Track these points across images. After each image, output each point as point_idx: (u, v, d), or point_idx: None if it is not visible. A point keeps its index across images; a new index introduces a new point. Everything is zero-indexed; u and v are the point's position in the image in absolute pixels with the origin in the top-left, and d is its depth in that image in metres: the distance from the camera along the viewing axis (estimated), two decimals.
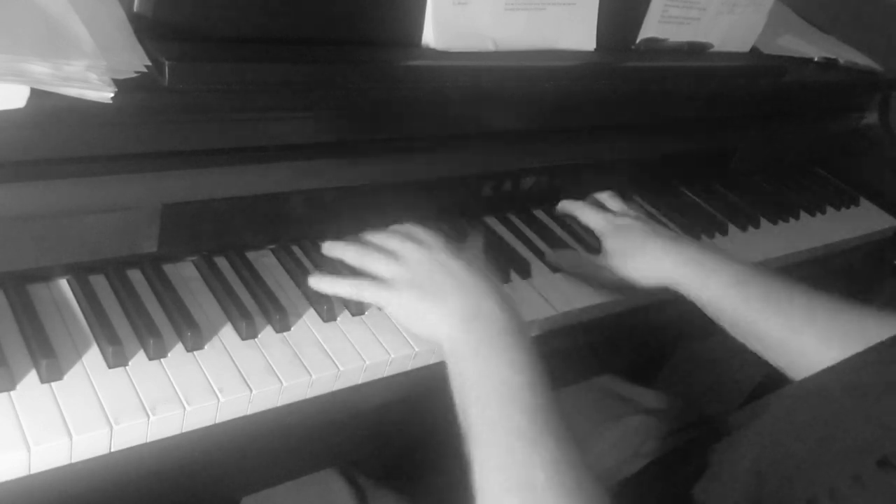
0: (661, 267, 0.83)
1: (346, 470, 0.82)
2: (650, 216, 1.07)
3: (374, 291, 0.70)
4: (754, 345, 0.79)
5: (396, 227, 0.76)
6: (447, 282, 0.68)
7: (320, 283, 0.72)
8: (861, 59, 1.30)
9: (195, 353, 0.66)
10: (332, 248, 0.75)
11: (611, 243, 0.88)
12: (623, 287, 0.87)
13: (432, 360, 0.76)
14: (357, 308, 0.75)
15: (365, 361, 0.71)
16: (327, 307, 0.74)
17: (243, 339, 0.69)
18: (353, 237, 0.76)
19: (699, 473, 0.70)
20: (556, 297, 0.86)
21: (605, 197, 0.99)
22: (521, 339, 0.65)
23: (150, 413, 0.60)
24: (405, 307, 0.69)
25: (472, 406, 0.61)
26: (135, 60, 0.62)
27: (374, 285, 0.70)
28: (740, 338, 0.80)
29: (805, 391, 0.65)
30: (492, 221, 0.97)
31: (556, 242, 0.95)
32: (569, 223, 1.00)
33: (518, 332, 0.65)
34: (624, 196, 1.10)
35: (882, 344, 0.66)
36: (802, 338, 0.74)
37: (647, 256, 0.85)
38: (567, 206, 0.97)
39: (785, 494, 0.56)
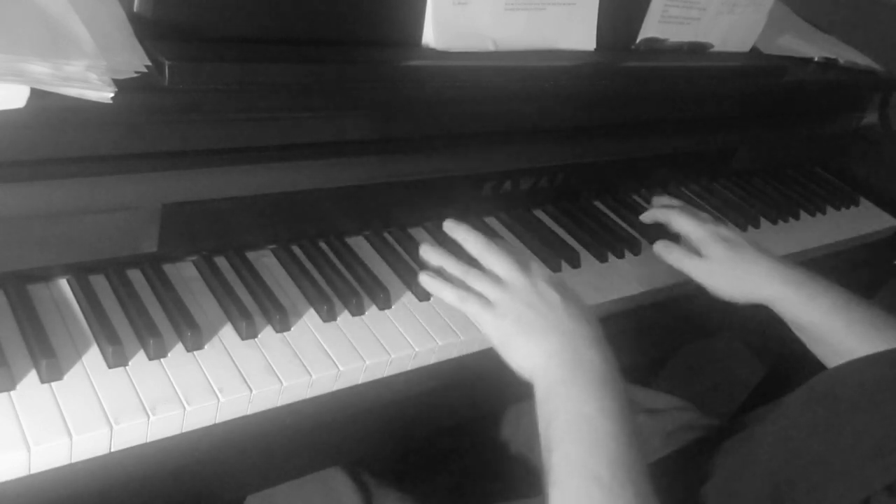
0: (767, 285, 0.83)
1: (350, 468, 0.82)
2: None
3: (478, 309, 0.70)
4: None
5: (501, 245, 0.75)
6: (549, 318, 0.68)
7: (430, 283, 0.73)
8: (861, 59, 1.30)
9: (195, 353, 0.66)
10: (430, 254, 0.75)
11: (717, 252, 0.86)
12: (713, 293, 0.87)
13: (432, 359, 0.76)
14: (357, 308, 0.75)
15: (365, 361, 0.71)
16: (327, 307, 0.74)
17: (243, 339, 0.69)
18: (458, 231, 0.76)
19: (705, 475, 0.69)
20: None
21: (689, 208, 0.96)
22: (617, 391, 0.64)
23: (150, 413, 0.60)
24: (504, 335, 0.68)
25: (556, 446, 0.61)
26: (135, 60, 0.62)
27: (478, 303, 0.70)
28: (832, 363, 0.79)
29: (822, 393, 0.65)
30: (491, 221, 0.97)
31: (556, 242, 0.95)
32: (568, 223, 1.00)
33: (613, 380, 0.65)
34: (623, 196, 1.10)
35: None
36: None
37: (753, 273, 0.84)
38: (660, 214, 0.94)
39: (815, 501, 0.55)
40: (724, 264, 0.86)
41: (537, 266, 0.73)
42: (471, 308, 0.70)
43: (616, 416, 0.62)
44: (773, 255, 0.86)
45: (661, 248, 0.89)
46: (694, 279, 0.87)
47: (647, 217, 0.96)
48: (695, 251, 0.88)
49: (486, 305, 0.69)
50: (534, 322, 0.68)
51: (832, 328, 0.79)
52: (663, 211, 0.94)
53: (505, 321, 0.68)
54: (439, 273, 0.74)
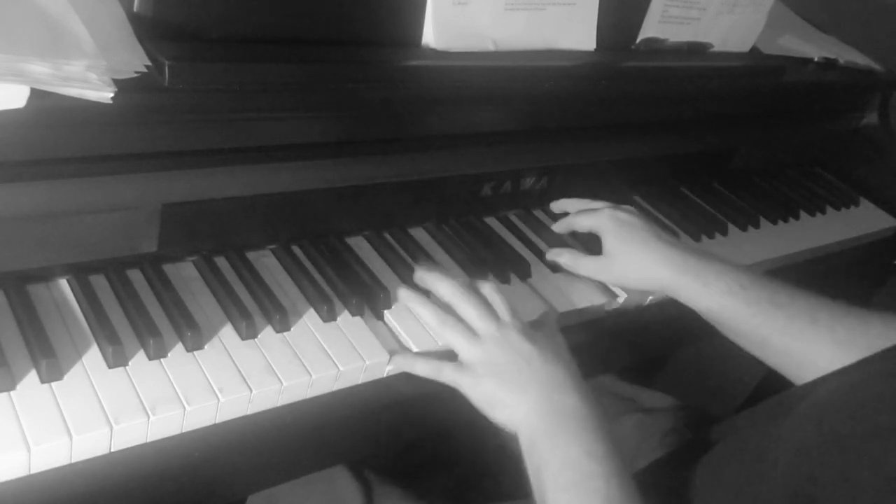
0: (660, 273, 0.82)
1: (353, 467, 0.82)
2: (650, 216, 1.07)
3: (455, 375, 0.70)
4: (756, 351, 0.79)
5: (468, 285, 0.74)
6: (526, 370, 0.69)
7: (402, 358, 0.72)
8: (861, 59, 1.30)
9: (195, 353, 0.66)
10: (409, 300, 0.75)
11: (612, 242, 0.86)
12: (619, 287, 0.88)
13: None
14: (357, 308, 0.75)
15: (365, 361, 0.71)
16: (327, 307, 0.74)
17: (243, 339, 0.69)
18: (429, 279, 0.75)
19: (710, 476, 0.69)
20: (557, 297, 0.86)
21: (588, 201, 0.96)
22: (599, 431, 0.65)
23: (150, 413, 0.60)
24: (484, 394, 0.69)
25: (549, 492, 0.63)
26: (135, 60, 0.62)
27: (453, 369, 0.70)
28: (742, 344, 0.79)
29: (838, 405, 0.63)
30: (491, 221, 0.97)
31: (556, 242, 0.95)
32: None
33: (594, 421, 0.66)
34: (624, 196, 1.10)
35: None
36: (805, 343, 0.74)
37: (647, 259, 0.83)
38: (563, 203, 0.96)
39: None
40: (618, 256, 0.85)
41: (509, 314, 0.73)
42: (447, 376, 0.70)
43: (602, 457, 0.63)
44: (668, 240, 0.85)
45: (552, 256, 0.90)
46: (594, 279, 0.87)
47: (553, 207, 0.97)
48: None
49: (463, 371, 0.70)
50: (511, 378, 0.68)
51: (733, 311, 0.78)
52: (565, 223, 0.93)
53: (485, 383, 0.69)
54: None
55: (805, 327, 0.74)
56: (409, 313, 0.77)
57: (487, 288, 0.75)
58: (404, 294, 0.75)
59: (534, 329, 0.73)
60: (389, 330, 0.76)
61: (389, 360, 0.72)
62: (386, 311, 0.77)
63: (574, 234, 0.97)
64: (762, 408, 0.73)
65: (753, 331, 0.77)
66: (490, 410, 0.69)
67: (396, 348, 0.73)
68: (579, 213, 0.92)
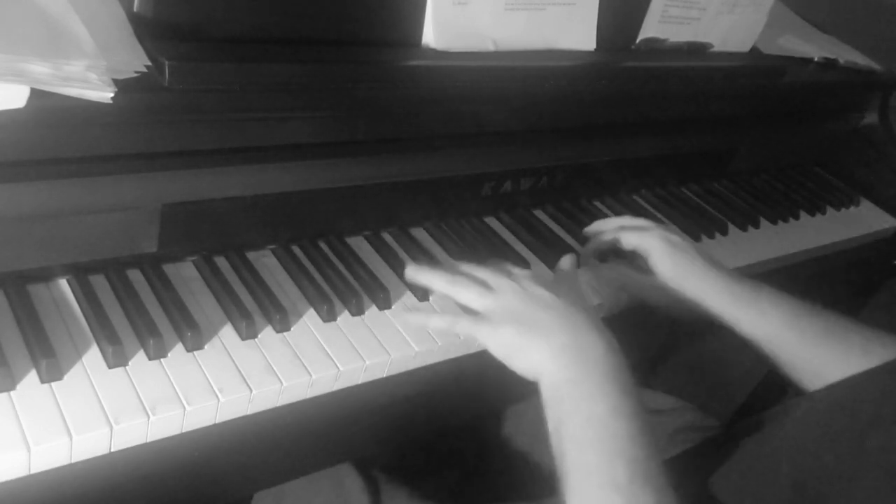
0: (713, 300, 0.79)
1: (360, 465, 0.82)
2: (650, 216, 1.07)
3: (471, 326, 0.67)
4: (808, 382, 0.75)
5: (470, 265, 0.72)
6: (547, 315, 0.65)
7: (416, 317, 0.70)
8: (861, 59, 1.30)
9: (195, 353, 0.66)
10: (417, 274, 0.72)
11: (665, 265, 0.81)
12: (669, 310, 0.83)
13: (431, 360, 0.76)
14: (357, 308, 0.75)
15: (365, 361, 0.71)
16: (327, 307, 0.74)
17: (243, 339, 0.69)
18: (437, 264, 0.73)
19: (715, 476, 0.69)
20: None
21: (627, 219, 0.91)
22: (627, 384, 0.62)
23: (150, 413, 0.60)
24: (506, 344, 0.66)
25: (570, 449, 0.59)
26: (135, 60, 0.62)
27: (470, 319, 0.67)
28: (792, 376, 0.77)
29: (837, 401, 0.64)
30: (491, 221, 0.97)
31: (556, 242, 0.95)
32: (568, 223, 1.00)
33: (624, 376, 0.63)
34: (623, 196, 1.10)
35: None
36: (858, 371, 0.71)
37: (699, 284, 0.80)
38: (602, 238, 0.90)
39: None
40: (671, 278, 0.81)
41: (522, 270, 0.71)
42: (464, 328, 0.67)
43: (629, 415, 0.60)
44: (724, 269, 0.82)
45: (609, 271, 0.85)
46: (642, 298, 0.83)
47: (588, 251, 0.90)
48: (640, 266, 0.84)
49: (480, 320, 0.67)
50: (534, 322, 0.65)
51: (786, 342, 0.76)
52: (604, 236, 0.89)
53: (504, 330, 0.66)
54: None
55: (858, 359, 0.72)
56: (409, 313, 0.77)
57: (493, 260, 0.73)
58: (410, 270, 0.73)
59: (553, 282, 0.71)
60: (389, 329, 0.76)
61: (403, 319, 0.69)
62: (386, 311, 0.77)
63: (574, 231, 0.97)
64: (767, 415, 0.73)
65: (808, 363, 0.75)
66: (511, 359, 0.65)
67: (397, 348, 0.73)
68: (623, 230, 0.87)
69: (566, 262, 0.80)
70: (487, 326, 0.67)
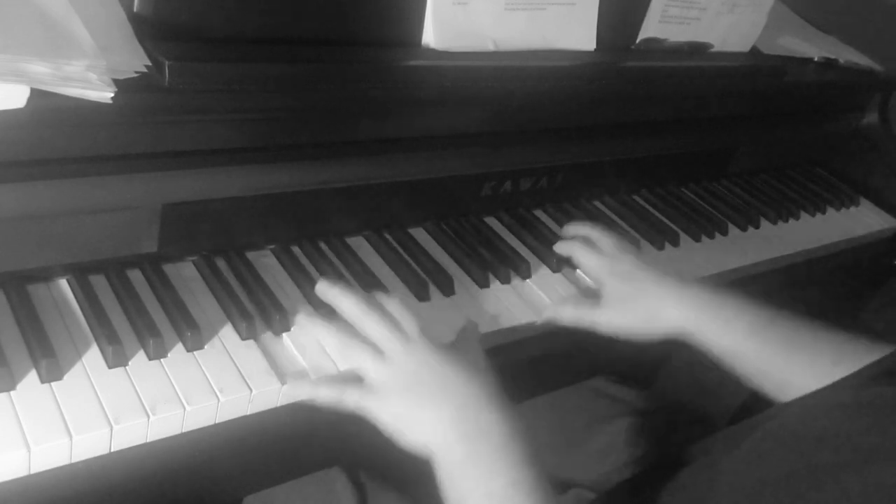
0: (668, 316, 0.77)
1: (348, 469, 0.82)
2: (650, 216, 1.08)
3: (360, 398, 0.63)
4: (777, 392, 0.74)
5: (374, 300, 0.68)
6: (437, 385, 0.63)
7: (300, 385, 0.66)
8: (861, 59, 1.30)
9: (195, 353, 0.66)
10: (327, 291, 0.69)
11: (609, 290, 0.81)
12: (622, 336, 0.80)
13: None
14: None
15: None
16: (327, 307, 0.74)
17: (243, 339, 0.69)
18: (331, 294, 0.69)
19: (683, 488, 0.68)
20: (556, 297, 0.86)
21: (596, 235, 0.89)
22: (522, 450, 0.60)
23: (150, 413, 0.60)
24: (394, 415, 0.62)
25: None
26: (135, 60, 0.62)
27: (358, 392, 0.63)
28: (756, 384, 0.75)
29: (778, 431, 0.60)
30: (491, 221, 0.97)
31: (556, 242, 0.95)
32: (567, 223, 1.00)
33: (517, 442, 0.60)
34: (623, 196, 1.10)
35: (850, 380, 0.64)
36: (827, 381, 0.68)
37: (652, 303, 0.78)
38: (563, 247, 0.89)
39: None
40: (616, 303, 0.80)
41: (417, 331, 0.66)
42: (351, 400, 0.64)
43: (527, 486, 0.58)
44: (672, 282, 0.80)
45: (553, 313, 0.82)
46: (599, 331, 0.80)
47: (558, 249, 0.90)
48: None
49: (368, 392, 0.63)
50: (421, 394, 0.62)
51: (750, 351, 0.74)
52: (567, 245, 0.88)
53: (391, 402, 0.62)
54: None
55: (829, 367, 0.70)
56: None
57: (394, 304, 0.68)
58: (302, 317, 0.69)
59: (447, 345, 0.68)
60: None
61: (288, 388, 0.66)
62: None
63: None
64: (733, 431, 0.71)
65: (775, 373, 0.73)
66: (401, 435, 0.62)
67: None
68: (581, 250, 0.87)
69: (469, 323, 0.77)
70: (376, 399, 0.63)
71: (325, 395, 0.64)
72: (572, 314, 0.82)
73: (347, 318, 0.67)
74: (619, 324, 0.80)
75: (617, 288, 0.81)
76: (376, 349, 0.65)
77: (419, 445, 0.61)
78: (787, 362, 0.73)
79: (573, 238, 0.90)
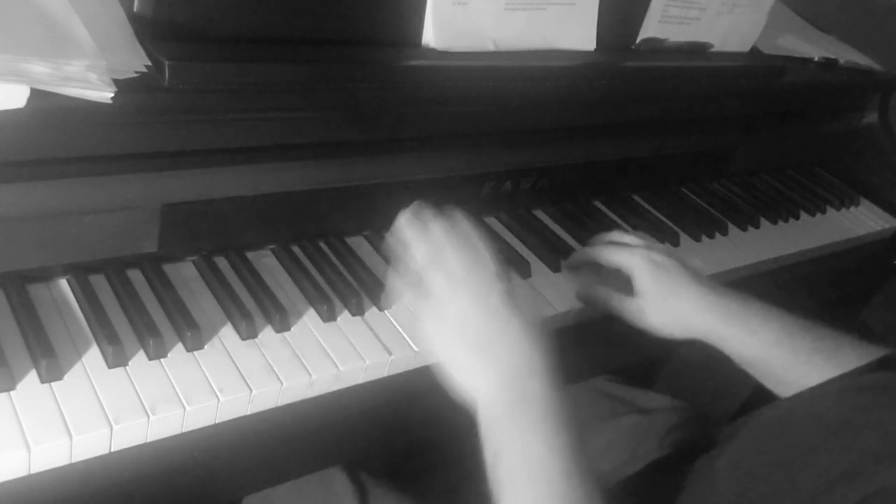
0: (697, 322, 0.77)
1: (348, 468, 0.82)
2: (650, 216, 1.07)
3: (417, 301, 0.63)
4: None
5: (460, 239, 0.66)
6: (497, 338, 0.61)
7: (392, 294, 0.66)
8: (861, 59, 1.30)
9: (195, 353, 0.66)
10: (404, 224, 0.66)
11: (647, 283, 0.79)
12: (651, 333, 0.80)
13: (432, 359, 0.76)
14: (357, 308, 0.75)
15: (365, 361, 0.71)
16: (327, 307, 0.74)
17: (243, 339, 0.69)
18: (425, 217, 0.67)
19: (682, 487, 0.68)
20: (556, 297, 0.86)
21: (617, 235, 0.88)
22: (563, 419, 0.60)
23: (150, 413, 0.60)
24: (446, 343, 0.62)
25: (505, 480, 0.58)
26: (135, 60, 0.62)
27: (419, 302, 0.63)
28: (780, 393, 0.75)
29: (774, 420, 0.62)
30: (491, 221, 0.97)
31: (556, 242, 0.95)
32: (568, 223, 1.00)
33: (560, 411, 0.60)
34: (623, 196, 1.10)
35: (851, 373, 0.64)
36: None
37: (686, 306, 0.77)
38: (583, 256, 0.88)
39: None
40: (652, 299, 0.79)
41: (491, 271, 0.64)
42: (412, 301, 0.63)
43: (565, 452, 0.58)
44: (707, 283, 0.79)
45: (583, 291, 0.83)
46: (625, 319, 0.81)
47: (571, 263, 0.89)
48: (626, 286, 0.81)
49: (433, 307, 0.63)
50: (483, 342, 0.61)
51: (777, 360, 0.74)
52: (588, 250, 0.87)
53: (446, 325, 0.62)
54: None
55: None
56: (409, 313, 0.77)
57: (460, 225, 0.67)
58: (400, 220, 0.66)
59: (516, 301, 0.66)
60: (389, 329, 0.76)
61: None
62: (386, 311, 0.77)
63: (574, 231, 0.97)
64: (734, 429, 0.72)
65: (803, 380, 0.72)
66: (454, 373, 0.62)
67: (397, 348, 0.73)
68: (608, 247, 0.85)
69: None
70: (434, 308, 0.63)
71: (393, 283, 0.66)
72: (606, 294, 0.82)
73: (434, 238, 0.65)
74: (648, 318, 0.80)
75: (654, 278, 0.79)
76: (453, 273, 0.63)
77: (467, 388, 0.61)
78: (814, 370, 0.73)
79: (591, 246, 0.88)
